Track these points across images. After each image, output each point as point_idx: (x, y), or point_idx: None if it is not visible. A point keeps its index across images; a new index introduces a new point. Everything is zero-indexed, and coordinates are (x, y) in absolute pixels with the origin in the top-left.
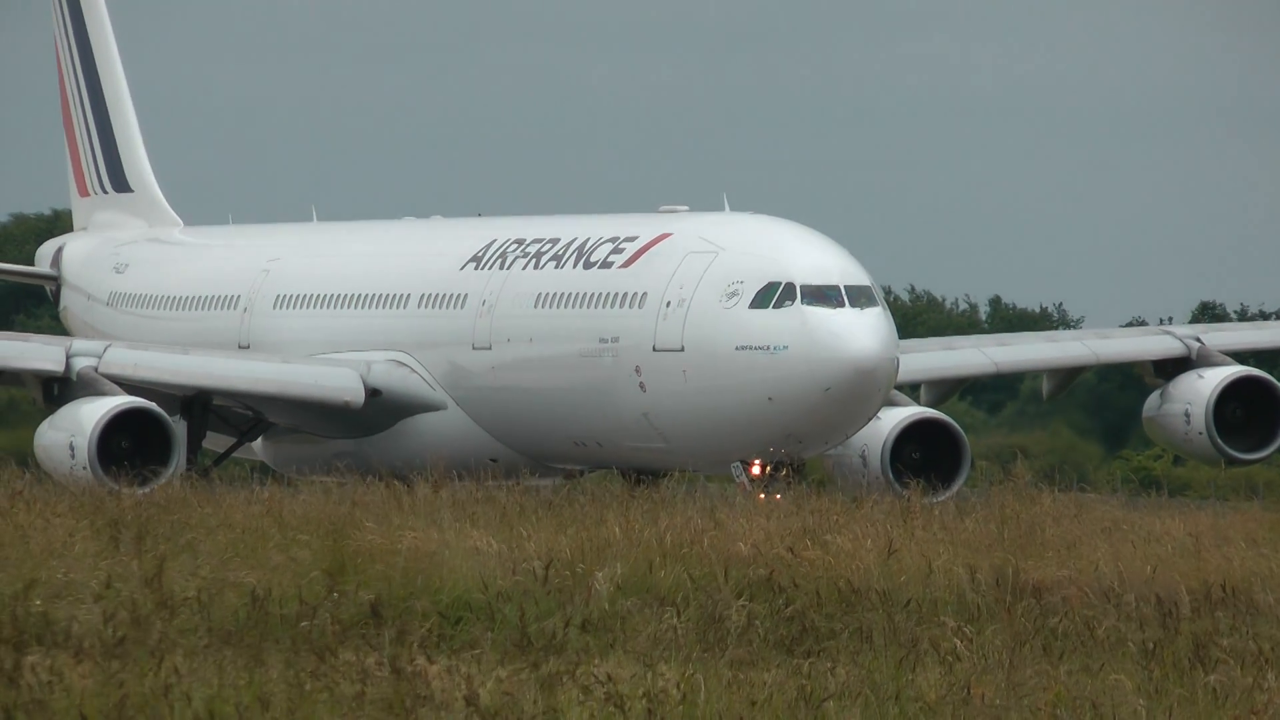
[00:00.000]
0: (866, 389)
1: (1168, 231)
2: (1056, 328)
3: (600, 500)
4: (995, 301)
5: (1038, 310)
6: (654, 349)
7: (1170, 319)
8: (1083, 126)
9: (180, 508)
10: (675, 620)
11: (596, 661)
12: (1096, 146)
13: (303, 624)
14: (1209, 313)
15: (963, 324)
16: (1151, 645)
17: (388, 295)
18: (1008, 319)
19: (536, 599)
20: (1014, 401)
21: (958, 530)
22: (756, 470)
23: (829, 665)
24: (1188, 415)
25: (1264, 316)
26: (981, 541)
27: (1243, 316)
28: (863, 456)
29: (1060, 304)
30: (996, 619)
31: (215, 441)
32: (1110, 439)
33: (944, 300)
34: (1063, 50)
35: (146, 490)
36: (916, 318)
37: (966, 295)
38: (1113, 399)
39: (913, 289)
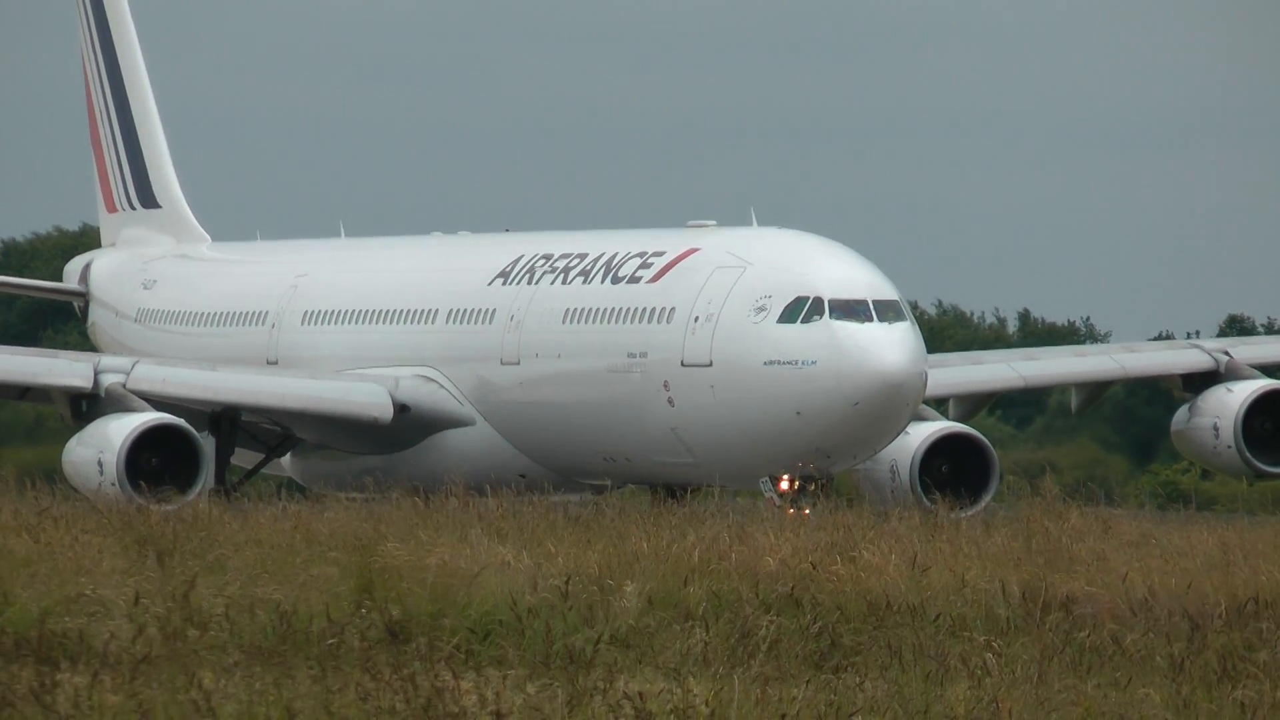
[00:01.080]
0: (895, 403)
1: (1195, 245)
2: (1084, 342)
3: (627, 515)
4: (1024, 316)
5: (1065, 325)
6: (682, 364)
7: (1198, 333)
8: (1109, 140)
9: (208, 524)
10: (704, 635)
11: (625, 677)
12: (1122, 159)
13: (331, 640)
14: (1236, 326)
15: (990, 339)
16: (1180, 659)
17: (416, 311)
18: (1036, 333)
19: (564, 614)
20: (1042, 416)
21: (986, 545)
22: (785, 485)
23: (858, 680)
24: (1216, 429)
25: None
26: (1009, 556)
27: (1270, 330)
28: (892, 471)
29: (1088, 318)
30: (1025, 633)
31: (243, 458)
32: (1138, 453)
33: (972, 315)
34: (1089, 64)
35: (174, 507)
36: (944, 332)
37: (996, 309)
38: (1140, 413)
39: (940, 303)
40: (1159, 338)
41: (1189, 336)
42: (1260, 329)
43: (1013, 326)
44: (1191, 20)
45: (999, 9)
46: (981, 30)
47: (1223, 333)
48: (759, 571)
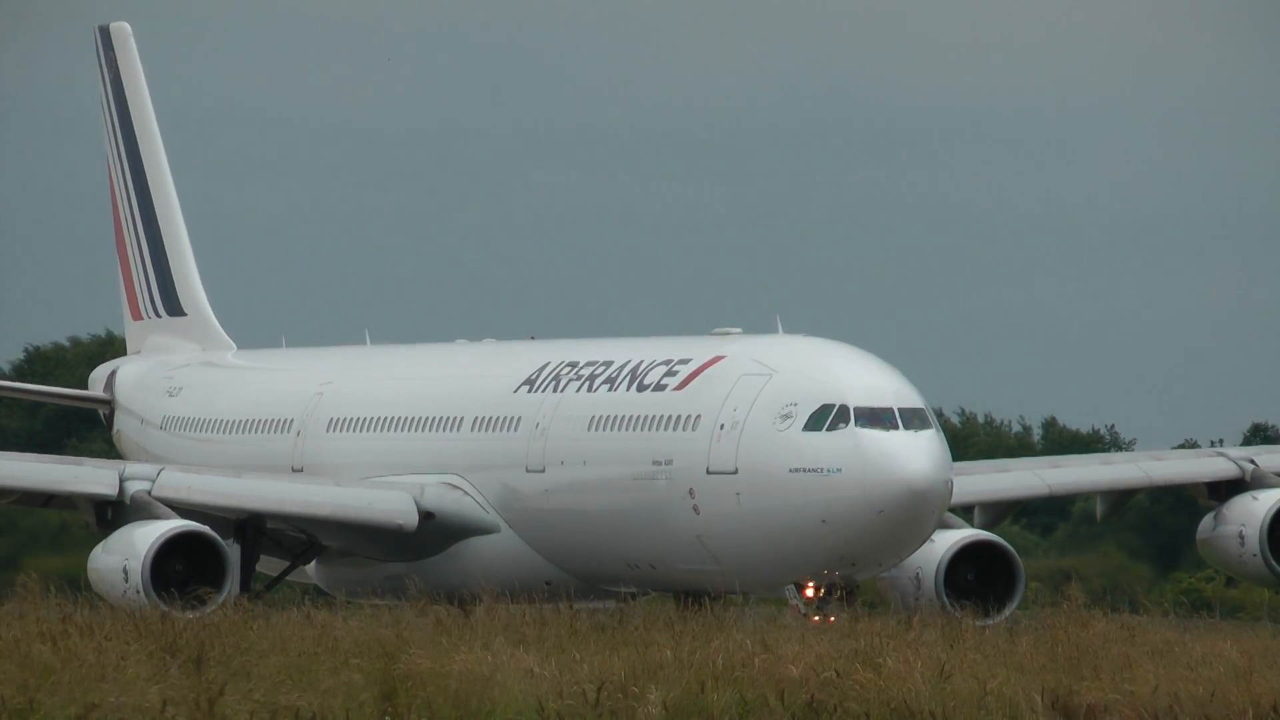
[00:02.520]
0: (920, 511)
1: (1218, 353)
2: (1108, 450)
3: (652, 622)
4: (1049, 424)
5: (1090, 432)
6: (708, 471)
7: (1221, 441)
8: (1134, 248)
9: (233, 631)
10: None
11: None
12: (1147, 267)
13: None
14: (1260, 434)
15: (1014, 447)
16: None
17: (441, 418)
18: (1060, 441)
19: None
20: (1065, 524)
21: (1010, 653)
22: (810, 592)
23: None
24: (1241, 537)
25: None
26: (1034, 664)
27: None
28: (917, 579)
29: (1112, 426)
30: None
31: (269, 565)
32: (1162, 561)
33: (998, 423)
34: (1113, 171)
35: (199, 614)
36: (967, 440)
37: (1021, 417)
38: (1164, 521)
39: (963, 411)
40: (1183, 445)
41: (1213, 444)
42: None
43: (1037, 434)
44: (1214, 125)
45: (1023, 115)
46: (1006, 140)
47: (1246, 441)
48: (782, 679)
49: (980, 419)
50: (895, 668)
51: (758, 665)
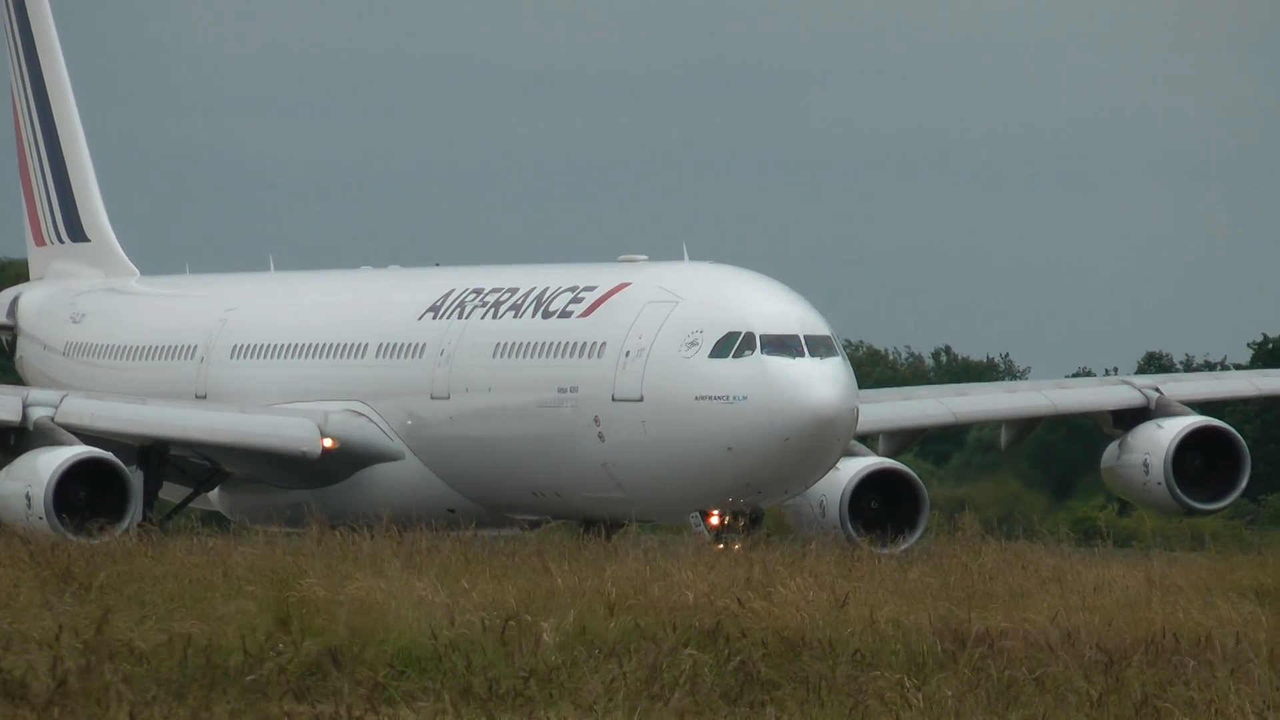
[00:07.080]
0: (826, 439)
1: (1110, 282)
2: (1004, 378)
3: (546, 551)
4: (944, 352)
5: (984, 361)
6: (613, 399)
7: (1117, 369)
8: (1017, 179)
9: (128, 558)
10: (621, 670)
11: (543, 712)
12: (1033, 197)
13: (249, 676)
14: (1155, 363)
15: (909, 376)
16: (1098, 695)
17: (345, 345)
18: (953, 370)
19: (483, 649)
20: (960, 452)
21: (902, 581)
22: (715, 520)
23: (776, 715)
24: (1146, 465)
25: (1210, 367)
26: (926, 592)
27: (1188, 367)
28: (821, 506)
29: (1007, 355)
30: (944, 669)
31: (172, 491)
32: (1057, 489)
33: (886, 353)
34: (1010, 102)
35: (97, 541)
36: (861, 369)
37: (908, 346)
38: (1060, 450)
39: (848, 341)
40: (1078, 374)
41: (1107, 373)
42: (1179, 366)
43: (929, 364)
44: (1120, 60)
45: (920, 51)
46: (905, 73)
47: (1141, 369)
48: (677, 606)
49: (863, 351)
50: (788, 595)
51: (654, 593)
